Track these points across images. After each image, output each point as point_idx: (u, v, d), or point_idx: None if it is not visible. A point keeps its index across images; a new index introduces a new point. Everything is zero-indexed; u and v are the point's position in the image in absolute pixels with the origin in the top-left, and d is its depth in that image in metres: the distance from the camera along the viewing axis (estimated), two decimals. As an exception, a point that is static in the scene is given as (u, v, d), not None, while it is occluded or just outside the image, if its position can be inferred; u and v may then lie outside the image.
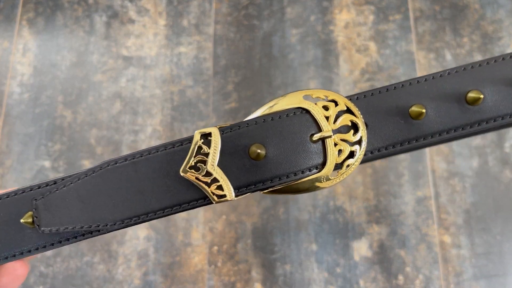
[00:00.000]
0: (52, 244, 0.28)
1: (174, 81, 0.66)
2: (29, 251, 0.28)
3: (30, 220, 0.27)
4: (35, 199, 0.27)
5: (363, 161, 0.28)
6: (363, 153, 0.28)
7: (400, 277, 0.57)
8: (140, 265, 0.59)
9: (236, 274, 0.58)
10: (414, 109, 0.27)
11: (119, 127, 0.64)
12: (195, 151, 0.27)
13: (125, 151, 0.63)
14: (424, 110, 0.27)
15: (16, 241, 0.28)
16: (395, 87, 0.28)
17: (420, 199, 0.59)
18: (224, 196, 0.27)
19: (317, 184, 0.28)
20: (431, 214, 0.59)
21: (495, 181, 0.60)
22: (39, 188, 0.28)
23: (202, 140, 0.27)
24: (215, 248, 0.59)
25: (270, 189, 0.28)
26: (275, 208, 0.60)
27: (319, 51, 0.66)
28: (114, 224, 0.27)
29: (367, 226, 0.59)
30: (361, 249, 0.58)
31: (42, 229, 0.27)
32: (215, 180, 0.27)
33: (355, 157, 0.28)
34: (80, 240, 0.28)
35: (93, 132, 0.64)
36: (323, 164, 0.28)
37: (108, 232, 0.28)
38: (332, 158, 0.27)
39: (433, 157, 0.61)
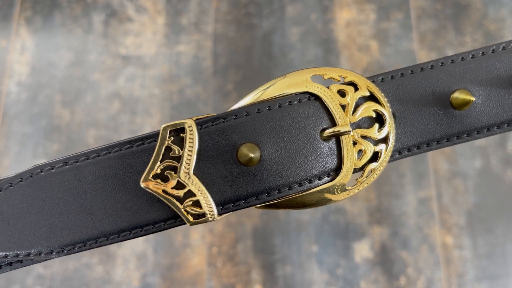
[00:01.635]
0: None
1: (173, 81, 0.65)
2: None
3: None
4: None
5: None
6: (390, 154, 0.21)
7: (402, 279, 0.57)
8: (138, 266, 0.58)
9: (236, 275, 0.57)
10: (458, 96, 0.21)
11: (118, 127, 0.63)
12: (161, 154, 0.20)
13: (124, 151, 0.63)
14: (472, 98, 0.20)
15: None
16: (432, 66, 0.21)
17: (422, 200, 0.59)
18: (203, 215, 0.19)
19: (329, 196, 0.21)
20: (433, 214, 0.58)
21: (498, 182, 0.60)
22: None
23: (172, 138, 0.20)
24: (215, 249, 0.58)
25: (265, 204, 0.21)
26: (275, 208, 0.60)
27: (319, 50, 0.66)
28: (51, 253, 0.20)
29: (368, 227, 0.59)
30: (362, 250, 0.58)
31: None
32: (190, 193, 0.19)
33: (380, 160, 0.21)
34: (7, 271, 0.21)
35: (92, 132, 0.63)
36: (337, 169, 0.21)
37: (44, 261, 0.21)
38: (350, 161, 0.21)
39: (435, 157, 0.61)
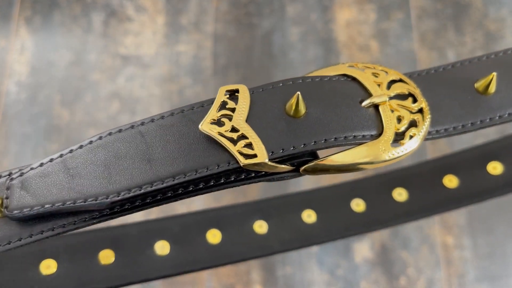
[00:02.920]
0: (31, 236, 0.21)
1: (173, 80, 0.66)
2: None
3: None
4: (11, 179, 0.21)
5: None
6: (428, 121, 0.22)
7: (402, 279, 0.57)
8: (138, 267, 0.58)
9: (235, 275, 0.58)
10: (481, 80, 0.23)
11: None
12: (218, 106, 0.22)
13: (124, 151, 0.63)
14: (491, 77, 0.23)
15: None
16: (461, 63, 0.23)
17: (422, 200, 0.59)
18: (255, 156, 0.21)
19: (373, 156, 0.21)
20: (433, 215, 0.59)
21: (498, 182, 0.60)
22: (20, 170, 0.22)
23: (228, 95, 0.23)
24: (215, 249, 0.59)
25: (311, 165, 0.21)
26: (275, 209, 0.60)
27: (320, 50, 0.66)
28: (107, 198, 0.21)
29: (368, 227, 0.59)
30: (363, 250, 0.58)
31: (12, 212, 0.20)
32: (242, 137, 0.21)
33: (420, 127, 0.22)
34: (69, 230, 0.22)
35: (91, 132, 0.63)
36: (380, 133, 0.22)
37: (101, 217, 0.22)
38: (391, 124, 0.21)
39: (435, 156, 0.61)
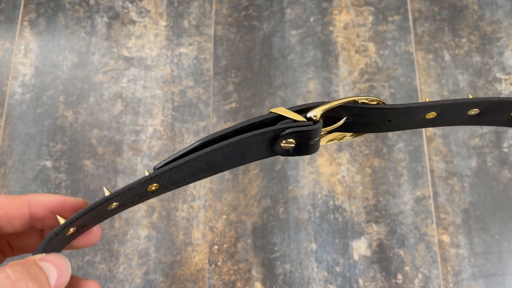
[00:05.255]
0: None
1: (175, 82, 0.66)
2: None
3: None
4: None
5: None
6: None
7: (399, 276, 0.57)
8: (141, 264, 0.59)
9: (236, 273, 0.58)
10: None
11: (120, 127, 0.64)
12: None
13: (126, 151, 0.63)
14: None
15: None
16: None
17: (419, 199, 0.60)
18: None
19: None
20: (430, 213, 0.59)
21: (494, 181, 0.60)
22: None
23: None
24: (216, 247, 0.59)
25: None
26: (275, 207, 0.60)
27: (318, 52, 0.66)
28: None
29: (366, 226, 0.59)
30: (361, 248, 0.58)
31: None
32: None
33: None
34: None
35: (94, 132, 0.64)
36: None
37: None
38: None
39: (432, 157, 0.61)
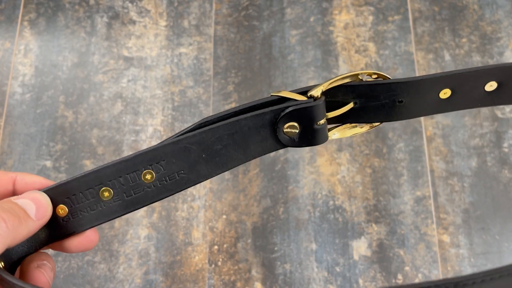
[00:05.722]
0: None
1: (175, 82, 0.66)
2: None
3: None
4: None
5: None
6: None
7: (399, 276, 0.57)
8: (141, 264, 0.59)
9: (236, 273, 0.58)
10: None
11: (120, 127, 0.64)
12: None
13: (126, 151, 0.63)
14: None
15: None
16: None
17: (419, 199, 0.60)
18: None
19: None
20: (430, 213, 0.59)
21: (494, 181, 0.60)
22: None
23: None
24: (216, 247, 0.59)
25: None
26: (275, 207, 0.60)
27: (318, 52, 0.66)
28: None
29: (366, 226, 0.59)
30: (361, 248, 0.58)
31: None
32: None
33: None
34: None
35: (94, 132, 0.64)
36: None
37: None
38: None
39: (432, 157, 0.61)
